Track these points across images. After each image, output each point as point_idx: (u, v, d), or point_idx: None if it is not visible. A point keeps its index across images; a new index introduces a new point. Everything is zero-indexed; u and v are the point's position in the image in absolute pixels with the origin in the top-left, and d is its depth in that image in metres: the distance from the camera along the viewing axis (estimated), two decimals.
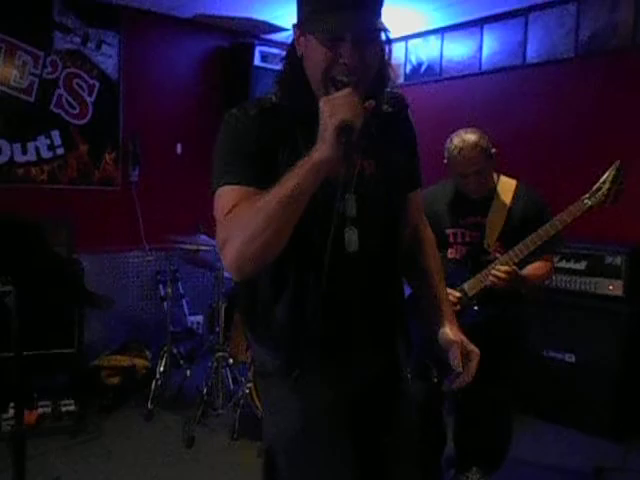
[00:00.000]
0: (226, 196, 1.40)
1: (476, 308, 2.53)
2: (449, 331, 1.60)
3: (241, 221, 1.32)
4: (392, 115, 1.56)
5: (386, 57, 1.49)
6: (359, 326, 1.53)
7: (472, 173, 2.53)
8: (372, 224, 1.48)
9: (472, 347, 1.57)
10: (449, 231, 2.65)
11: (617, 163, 2.38)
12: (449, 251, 2.65)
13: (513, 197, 2.61)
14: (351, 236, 1.39)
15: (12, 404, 3.35)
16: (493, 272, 2.45)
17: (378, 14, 1.39)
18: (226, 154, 1.45)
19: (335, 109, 1.25)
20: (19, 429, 1.77)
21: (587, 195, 2.39)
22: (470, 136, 2.52)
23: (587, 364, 3.63)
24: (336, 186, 1.36)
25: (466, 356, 1.55)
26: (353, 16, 1.33)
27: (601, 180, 2.38)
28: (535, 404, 3.74)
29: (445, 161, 2.63)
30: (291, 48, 1.49)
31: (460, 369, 1.54)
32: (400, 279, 1.66)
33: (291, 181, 1.26)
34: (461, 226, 2.64)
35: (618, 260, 3.55)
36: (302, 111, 1.43)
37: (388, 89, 1.53)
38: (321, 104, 1.28)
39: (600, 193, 2.37)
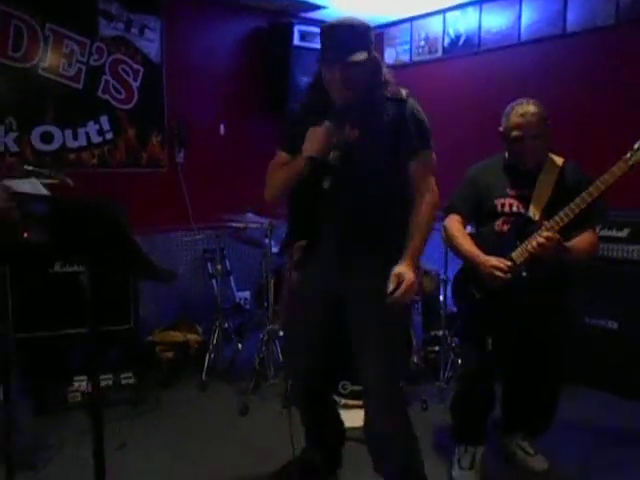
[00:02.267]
0: (277, 156, 2.44)
1: (524, 274, 2.60)
2: (397, 267, 2.16)
3: (270, 175, 2.41)
4: (392, 109, 2.23)
5: (381, 69, 2.26)
6: (330, 236, 2.29)
7: (530, 138, 2.61)
8: (350, 171, 2.19)
9: (407, 276, 2.12)
10: (497, 201, 2.72)
11: None
12: (497, 222, 2.71)
13: (560, 172, 2.66)
14: (327, 178, 2.15)
15: (77, 377, 3.59)
16: (536, 239, 2.51)
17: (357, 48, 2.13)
18: (285, 130, 2.51)
19: (308, 144, 2.19)
20: (96, 398, 1.93)
21: (628, 155, 2.43)
22: (531, 105, 2.63)
23: (629, 331, 3.67)
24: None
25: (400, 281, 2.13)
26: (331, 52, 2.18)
27: None
28: (576, 370, 3.73)
29: (501, 129, 2.71)
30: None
31: (391, 289, 2.12)
32: (387, 215, 2.28)
33: (287, 169, 2.31)
34: (509, 196, 2.71)
35: None
36: (319, 111, 2.26)
37: (388, 91, 2.24)
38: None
39: None
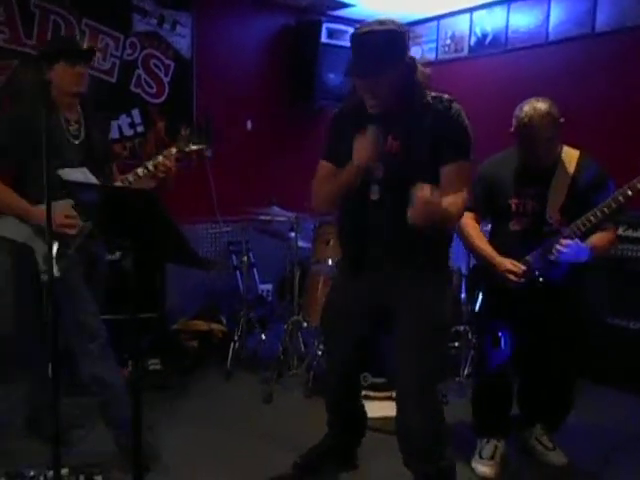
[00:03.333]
0: (320, 165, 2.44)
1: (541, 280, 2.63)
2: None
3: (318, 188, 2.41)
4: (435, 113, 2.17)
5: (416, 72, 2.18)
6: (378, 248, 2.30)
7: (542, 140, 2.57)
8: (393, 183, 2.19)
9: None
10: (512, 201, 2.72)
11: None
12: (511, 222, 2.73)
13: (576, 168, 2.63)
14: (374, 189, 2.20)
15: None
16: (558, 247, 2.54)
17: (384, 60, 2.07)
18: (326, 140, 2.45)
19: (357, 153, 2.15)
20: (138, 383, 2.02)
21: None
22: (541, 104, 2.56)
23: None
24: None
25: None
26: (355, 67, 2.16)
27: None
28: (598, 370, 3.78)
29: (512, 129, 2.67)
30: None
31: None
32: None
33: (337, 181, 2.28)
34: (524, 196, 2.70)
35: None
36: (358, 118, 2.24)
37: (433, 94, 2.20)
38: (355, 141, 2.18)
39: None
